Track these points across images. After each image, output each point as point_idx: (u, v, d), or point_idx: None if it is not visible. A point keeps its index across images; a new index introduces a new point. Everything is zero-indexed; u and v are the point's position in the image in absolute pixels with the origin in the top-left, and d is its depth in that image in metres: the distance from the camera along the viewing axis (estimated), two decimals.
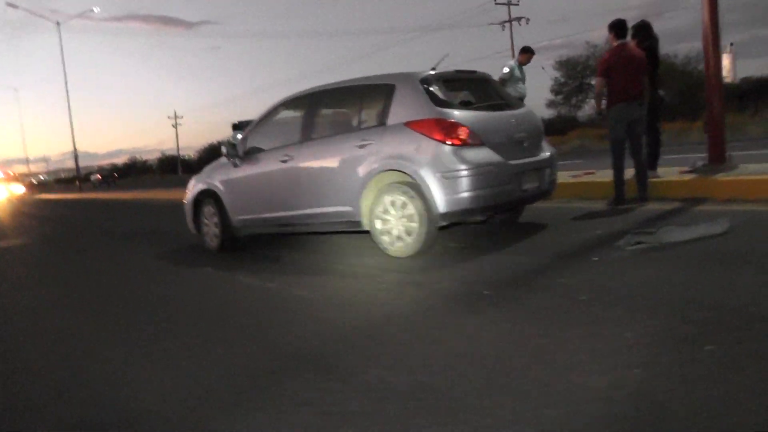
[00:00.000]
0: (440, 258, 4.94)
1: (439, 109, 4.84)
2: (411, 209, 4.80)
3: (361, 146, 5.10)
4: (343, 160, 5.25)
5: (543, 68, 41.55)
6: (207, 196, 6.53)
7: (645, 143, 6.80)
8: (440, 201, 4.68)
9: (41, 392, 2.85)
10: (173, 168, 67.80)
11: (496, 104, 5.46)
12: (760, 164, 7.33)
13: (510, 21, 42.17)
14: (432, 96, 4.91)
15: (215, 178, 6.47)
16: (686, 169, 7.44)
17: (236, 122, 11.49)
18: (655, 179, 6.93)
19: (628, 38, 6.80)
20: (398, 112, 4.99)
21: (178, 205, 7.41)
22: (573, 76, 41.78)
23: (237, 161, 6.20)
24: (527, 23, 42.65)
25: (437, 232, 4.94)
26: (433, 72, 5.16)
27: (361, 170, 5.07)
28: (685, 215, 5.63)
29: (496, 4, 42.09)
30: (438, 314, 3.45)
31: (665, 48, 32.30)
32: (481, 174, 4.72)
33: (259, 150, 6.09)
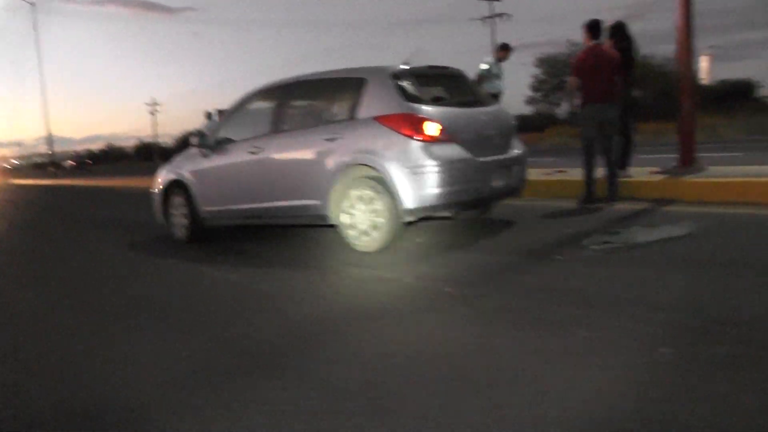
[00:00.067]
0: (406, 254, 4.93)
1: (409, 104, 4.81)
2: (378, 204, 4.78)
3: (331, 140, 5.05)
4: (312, 154, 5.20)
5: (524, 65, 41.70)
6: (176, 186, 6.43)
7: (617, 144, 6.84)
8: (407, 196, 4.66)
9: None
10: (151, 155, 66.95)
11: (467, 101, 5.45)
12: (727, 167, 7.43)
13: (492, 17, 42.29)
14: (402, 91, 4.88)
15: (184, 168, 6.38)
16: (657, 169, 7.51)
17: (209, 111, 11.37)
18: (626, 179, 6.98)
19: (604, 39, 6.83)
20: (368, 106, 4.95)
21: (150, 193, 7.30)
22: (553, 73, 42.03)
23: (207, 151, 6.13)
24: (509, 19, 42.78)
25: (404, 227, 4.93)
26: (404, 67, 5.12)
27: (330, 164, 5.03)
28: (652, 216, 5.68)
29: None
30: (397, 311, 3.43)
31: (646, 49, 32.55)
32: (448, 170, 4.70)
33: (230, 141, 6.01)
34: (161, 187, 6.62)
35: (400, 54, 6.06)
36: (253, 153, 5.62)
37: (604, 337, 2.70)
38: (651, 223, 5.07)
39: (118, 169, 52.39)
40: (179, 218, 6.44)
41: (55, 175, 43.20)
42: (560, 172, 8.76)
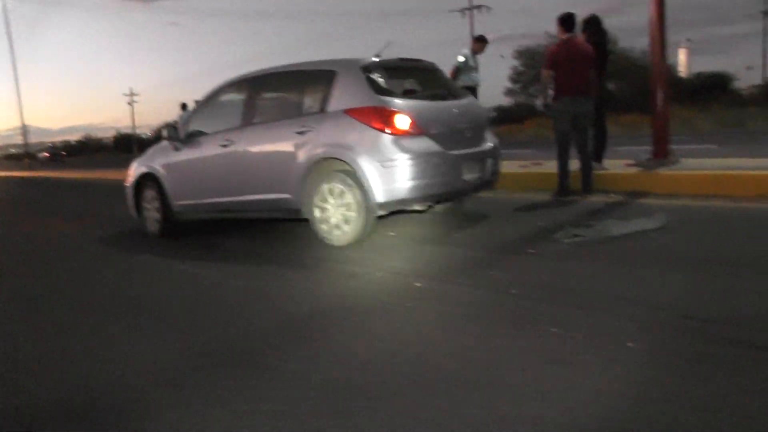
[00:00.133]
0: (377, 248, 4.89)
1: (380, 97, 4.76)
2: (349, 198, 4.73)
3: (301, 133, 5.00)
4: (283, 146, 5.14)
5: (502, 56, 41.68)
6: (148, 179, 6.34)
7: (591, 136, 6.86)
8: (378, 190, 4.62)
9: None
10: (129, 146, 66.08)
11: (439, 94, 5.41)
12: (701, 159, 7.49)
13: (470, 8, 42.25)
14: (373, 84, 4.83)
15: (156, 161, 6.29)
16: (632, 162, 7.55)
17: (185, 102, 11.24)
18: (600, 172, 7.01)
19: (577, 32, 6.83)
20: (339, 99, 4.90)
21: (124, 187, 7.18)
22: (532, 65, 42.08)
23: (178, 144, 6.04)
24: (488, 11, 42.81)
25: (376, 221, 4.89)
26: (375, 59, 5.07)
27: (301, 157, 4.98)
28: (626, 209, 5.70)
29: None
30: (366, 307, 3.39)
31: (625, 42, 32.70)
32: (419, 164, 4.67)
33: (201, 133, 5.93)
34: (133, 180, 6.52)
35: (378, 46, 5.99)
36: (224, 146, 5.54)
37: (573, 332, 2.69)
38: (624, 216, 5.08)
39: (96, 160, 51.64)
40: (152, 212, 6.34)
41: (30, 167, 42.49)
42: (536, 164, 8.77)
